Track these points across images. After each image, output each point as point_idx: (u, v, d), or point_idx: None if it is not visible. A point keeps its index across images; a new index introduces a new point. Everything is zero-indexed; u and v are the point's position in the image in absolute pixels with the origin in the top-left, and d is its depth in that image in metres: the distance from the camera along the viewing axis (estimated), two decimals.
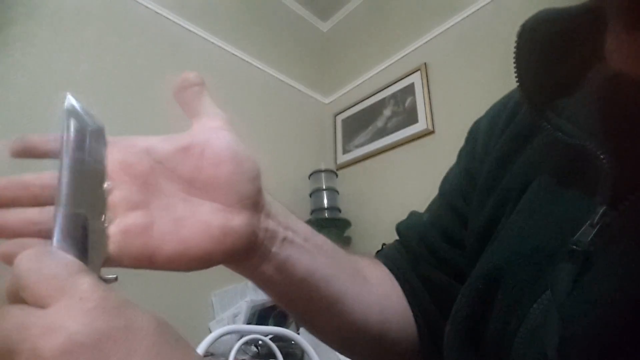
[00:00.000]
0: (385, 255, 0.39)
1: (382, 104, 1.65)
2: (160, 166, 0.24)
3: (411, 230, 0.39)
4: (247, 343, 0.75)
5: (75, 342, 0.15)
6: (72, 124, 0.21)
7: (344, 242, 1.53)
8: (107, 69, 1.20)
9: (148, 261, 0.22)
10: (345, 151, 1.76)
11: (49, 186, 0.21)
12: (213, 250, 0.23)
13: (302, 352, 0.75)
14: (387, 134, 1.58)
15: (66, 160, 0.20)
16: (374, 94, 1.71)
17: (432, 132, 1.42)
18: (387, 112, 1.62)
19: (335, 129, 1.86)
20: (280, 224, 0.28)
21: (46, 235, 0.19)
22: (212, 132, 0.25)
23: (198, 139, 0.24)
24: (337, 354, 0.79)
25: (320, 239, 0.31)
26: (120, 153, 0.23)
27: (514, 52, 0.27)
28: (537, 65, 0.26)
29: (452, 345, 0.29)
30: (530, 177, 0.28)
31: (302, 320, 0.33)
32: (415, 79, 1.54)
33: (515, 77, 0.27)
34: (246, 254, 0.26)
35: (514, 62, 0.27)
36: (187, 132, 0.25)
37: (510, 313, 0.24)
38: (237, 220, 0.24)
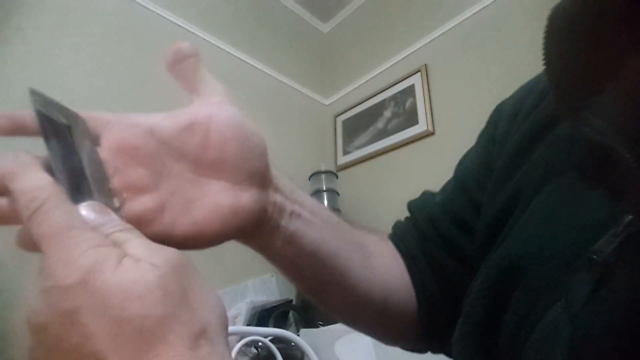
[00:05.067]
0: (393, 231, 0.39)
1: (382, 105, 1.65)
2: (165, 147, 0.23)
3: (422, 210, 0.38)
4: (247, 344, 0.75)
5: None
6: (46, 128, 0.20)
7: None
8: (108, 69, 1.20)
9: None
10: (345, 152, 1.76)
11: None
12: (225, 230, 0.23)
13: (302, 353, 0.75)
14: (388, 136, 1.57)
15: (56, 164, 0.19)
16: (374, 95, 1.71)
17: (433, 133, 1.42)
18: (387, 113, 1.62)
19: (335, 130, 1.86)
20: (288, 198, 0.28)
21: None
22: (214, 108, 0.24)
23: (201, 116, 0.23)
24: (337, 355, 0.79)
25: (326, 213, 0.31)
26: (124, 135, 0.22)
27: (544, 35, 0.24)
28: (569, 52, 0.23)
29: (463, 346, 0.28)
30: (550, 170, 0.26)
31: (309, 292, 0.33)
32: (416, 80, 1.54)
33: (543, 62, 0.24)
34: (256, 229, 0.26)
35: (543, 46, 0.24)
36: (188, 108, 0.24)
37: (523, 319, 0.23)
38: (246, 198, 0.24)
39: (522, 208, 0.27)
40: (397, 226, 0.40)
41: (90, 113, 0.23)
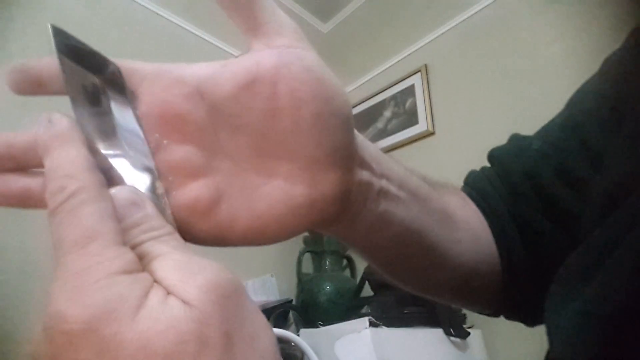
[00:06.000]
0: (473, 187, 0.32)
1: (382, 105, 1.65)
2: (219, 114, 0.17)
3: (514, 159, 0.30)
4: None
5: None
6: (73, 81, 0.15)
7: (344, 246, 1.53)
8: None
9: (216, 243, 0.18)
10: None
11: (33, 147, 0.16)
12: (296, 225, 0.18)
13: (302, 353, 0.75)
14: (388, 135, 1.58)
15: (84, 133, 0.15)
16: (374, 95, 1.70)
17: (433, 133, 1.42)
18: (387, 113, 1.62)
19: None
20: (375, 172, 0.22)
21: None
22: (282, 56, 0.17)
23: (265, 69, 0.17)
24: (337, 355, 0.79)
25: (414, 183, 0.25)
26: (166, 98, 0.17)
27: None
28: None
29: (587, 331, 0.19)
30: None
31: (386, 270, 0.29)
32: (416, 80, 1.54)
33: None
34: (336, 219, 0.20)
35: None
36: (247, 56, 0.18)
37: None
38: (327, 183, 0.18)
39: None
40: (474, 178, 0.33)
41: (123, 62, 0.18)
